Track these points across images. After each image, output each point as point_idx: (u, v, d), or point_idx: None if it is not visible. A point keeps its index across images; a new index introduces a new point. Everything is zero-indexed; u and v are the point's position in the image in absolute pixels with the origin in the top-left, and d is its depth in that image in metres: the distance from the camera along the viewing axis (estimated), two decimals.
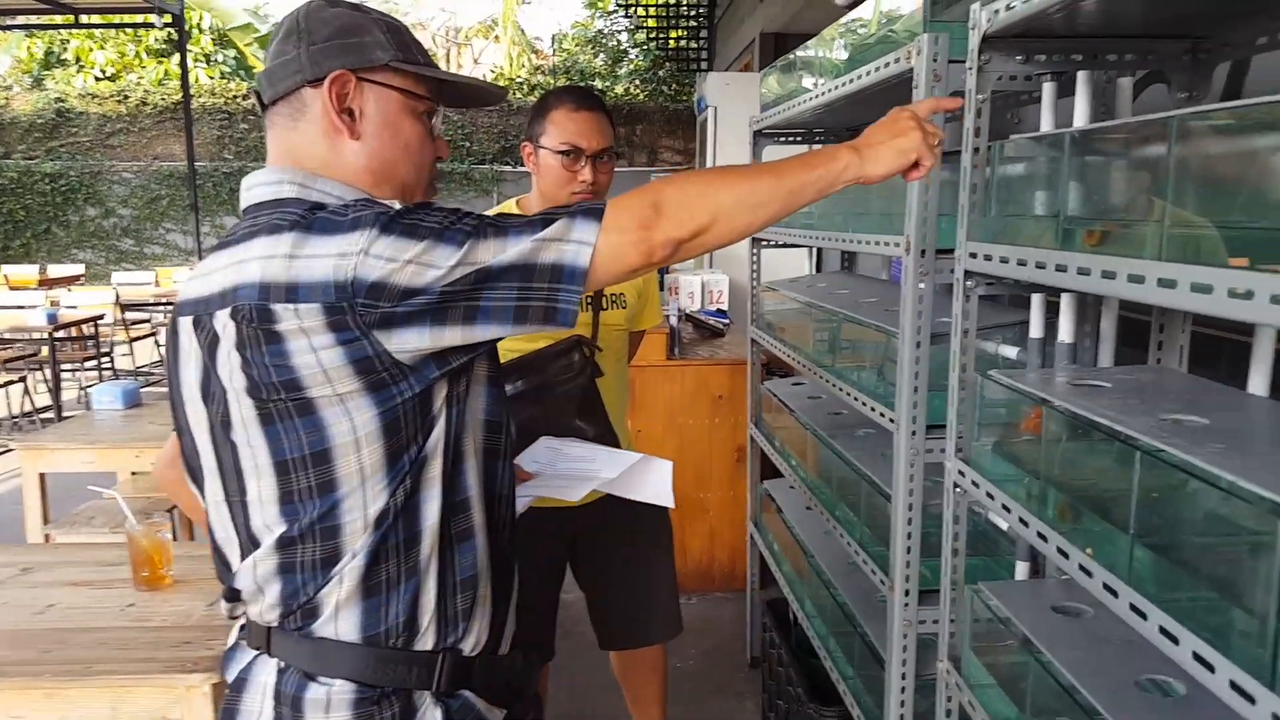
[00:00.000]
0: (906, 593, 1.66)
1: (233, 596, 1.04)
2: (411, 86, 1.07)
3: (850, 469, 1.99)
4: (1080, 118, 1.36)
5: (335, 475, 0.95)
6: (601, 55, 13.34)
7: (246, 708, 1.02)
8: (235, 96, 14.41)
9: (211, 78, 15.04)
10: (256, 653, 1.04)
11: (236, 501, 1.00)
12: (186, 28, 9.08)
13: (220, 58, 15.44)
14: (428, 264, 0.90)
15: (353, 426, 0.94)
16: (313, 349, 0.91)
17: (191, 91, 11.20)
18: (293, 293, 0.90)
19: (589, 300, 1.97)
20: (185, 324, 1.00)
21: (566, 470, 1.58)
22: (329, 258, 0.90)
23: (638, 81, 12.79)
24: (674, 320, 3.61)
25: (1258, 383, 1.09)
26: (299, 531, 0.97)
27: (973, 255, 1.32)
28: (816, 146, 3.30)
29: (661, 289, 4.41)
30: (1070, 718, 1.07)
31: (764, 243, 2.83)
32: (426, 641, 1.02)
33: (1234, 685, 0.72)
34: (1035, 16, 1.14)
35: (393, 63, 1.05)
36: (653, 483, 1.51)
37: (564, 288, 0.92)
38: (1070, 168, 1.12)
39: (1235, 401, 1.06)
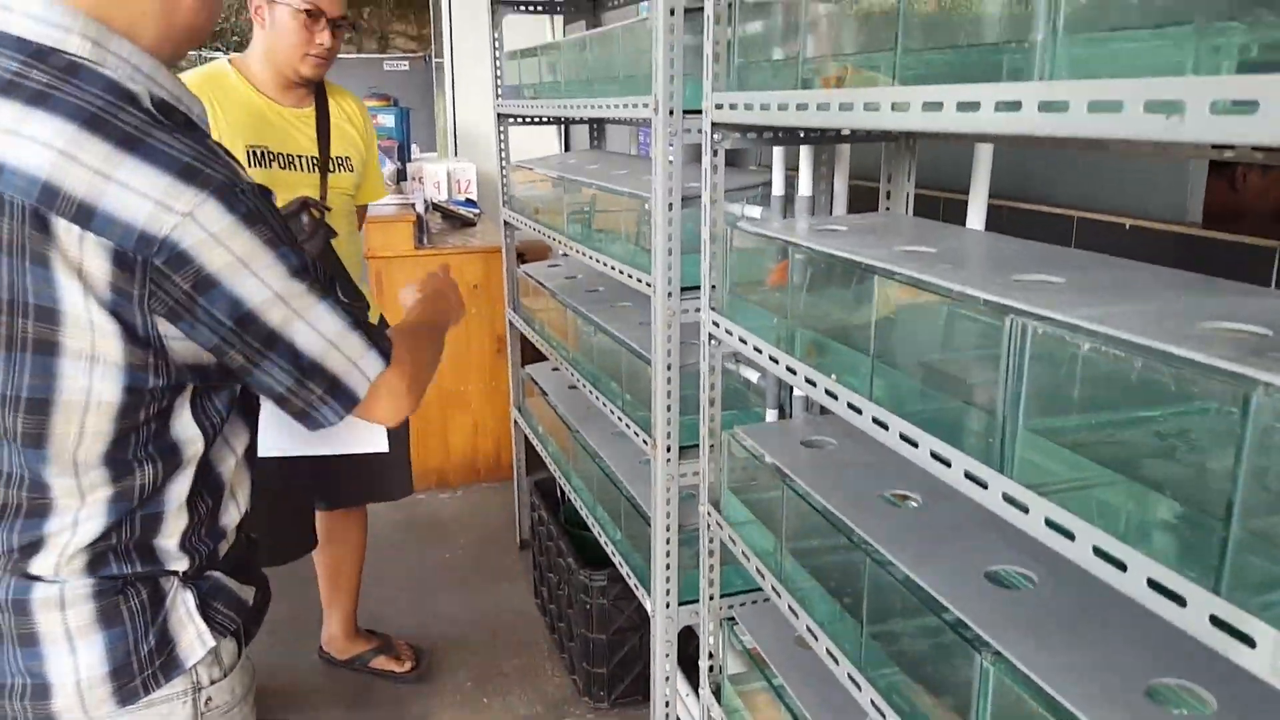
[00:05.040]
0: (668, 449, 1.70)
1: None
2: None
3: (611, 339, 2.00)
4: None
5: (49, 431, 0.82)
6: None
7: None
8: None
9: None
10: None
11: None
12: None
13: None
14: (252, 271, 0.82)
15: (88, 389, 0.82)
16: (85, 291, 0.77)
17: None
18: (87, 216, 0.76)
19: (316, 162, 1.92)
20: None
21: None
22: (146, 199, 0.77)
23: None
24: (420, 208, 3.43)
25: (975, 220, 1.19)
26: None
27: (719, 106, 1.31)
28: (558, 18, 3.20)
29: (404, 179, 4.18)
30: (821, 538, 1.15)
31: (511, 119, 2.73)
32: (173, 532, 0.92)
33: (968, 475, 0.79)
34: None
35: None
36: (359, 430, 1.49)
37: (331, 404, 0.91)
38: (806, 10, 1.13)
39: (958, 234, 1.14)
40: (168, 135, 0.80)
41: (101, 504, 0.85)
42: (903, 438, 0.88)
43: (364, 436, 1.51)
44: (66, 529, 0.84)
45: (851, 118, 0.96)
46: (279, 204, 1.80)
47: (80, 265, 0.76)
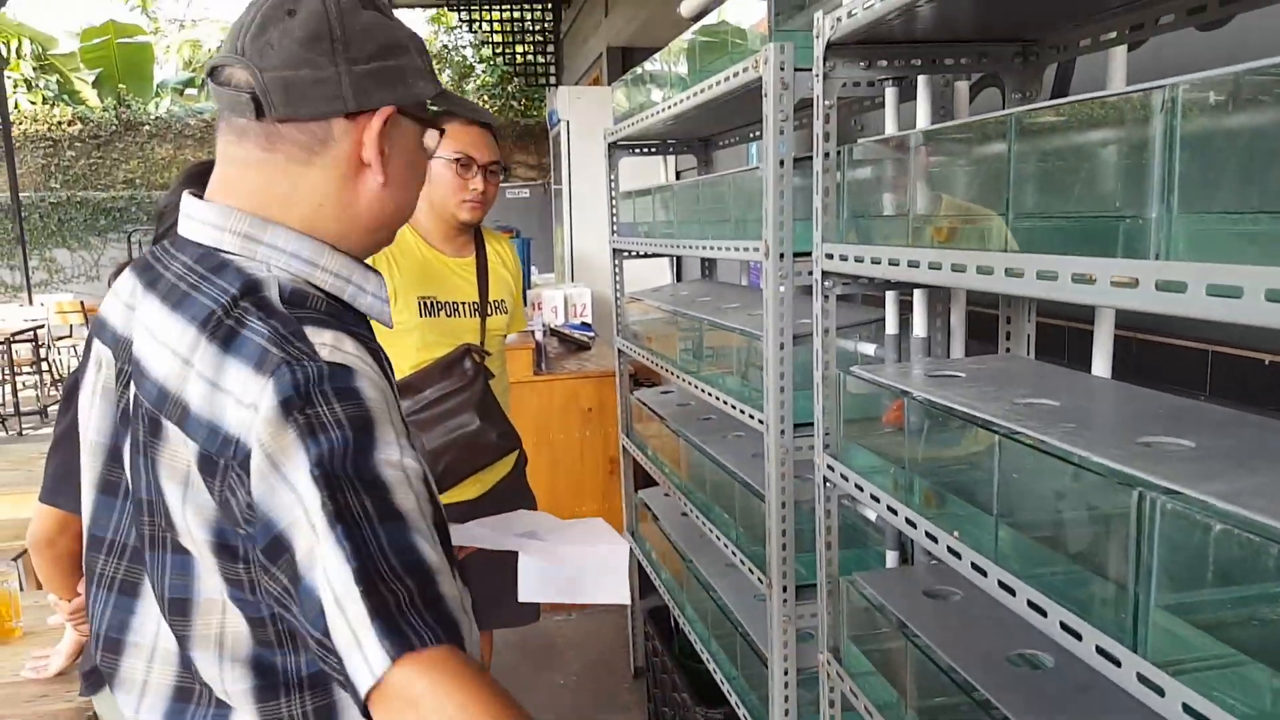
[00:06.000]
0: (785, 589, 1.68)
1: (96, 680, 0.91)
2: (430, 119, 0.89)
3: (724, 472, 2.01)
4: (922, 120, 1.43)
5: (191, 632, 0.80)
6: (447, 70, 13.14)
7: None
8: (60, 123, 13.38)
9: (34, 103, 13.97)
10: None
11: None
12: (4, 54, 8.28)
13: (42, 83, 14.38)
14: (284, 474, 0.69)
15: (219, 587, 0.79)
16: (183, 496, 0.75)
17: (11, 119, 10.27)
18: (184, 418, 0.74)
19: (476, 307, 2.06)
20: (104, 354, 0.85)
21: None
22: (229, 396, 0.72)
23: (486, 97, 12.68)
24: (539, 335, 3.57)
25: (1100, 365, 1.17)
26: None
27: (829, 256, 1.35)
28: (670, 157, 3.35)
29: (524, 304, 4.38)
30: (947, 696, 1.11)
31: (625, 254, 2.84)
32: None
33: (1100, 650, 0.76)
34: (875, 23, 1.18)
35: (434, 98, 0.87)
36: (606, 574, 1.33)
37: (348, 685, 0.67)
38: (917, 167, 1.17)
39: (1082, 384, 1.13)
40: (261, 321, 0.74)
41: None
42: (1031, 605, 0.86)
43: (607, 585, 1.32)
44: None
45: (964, 279, 0.98)
46: (443, 350, 1.95)
47: (180, 468, 0.75)
